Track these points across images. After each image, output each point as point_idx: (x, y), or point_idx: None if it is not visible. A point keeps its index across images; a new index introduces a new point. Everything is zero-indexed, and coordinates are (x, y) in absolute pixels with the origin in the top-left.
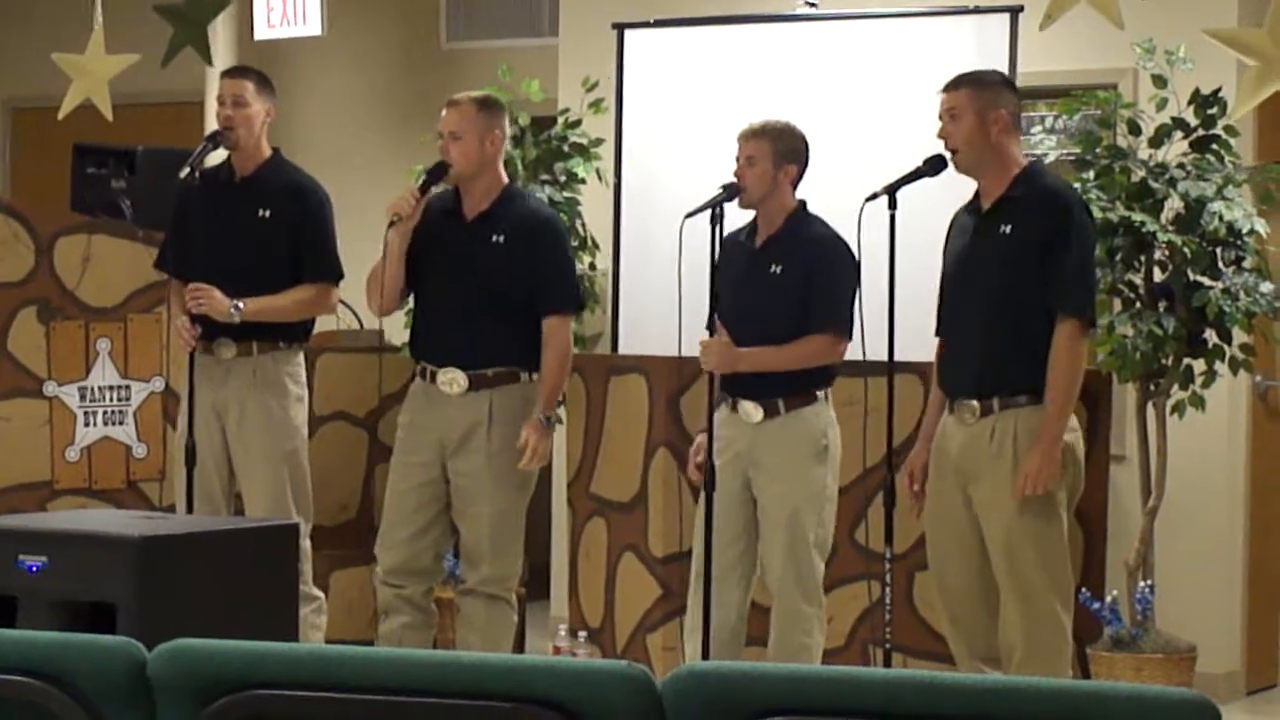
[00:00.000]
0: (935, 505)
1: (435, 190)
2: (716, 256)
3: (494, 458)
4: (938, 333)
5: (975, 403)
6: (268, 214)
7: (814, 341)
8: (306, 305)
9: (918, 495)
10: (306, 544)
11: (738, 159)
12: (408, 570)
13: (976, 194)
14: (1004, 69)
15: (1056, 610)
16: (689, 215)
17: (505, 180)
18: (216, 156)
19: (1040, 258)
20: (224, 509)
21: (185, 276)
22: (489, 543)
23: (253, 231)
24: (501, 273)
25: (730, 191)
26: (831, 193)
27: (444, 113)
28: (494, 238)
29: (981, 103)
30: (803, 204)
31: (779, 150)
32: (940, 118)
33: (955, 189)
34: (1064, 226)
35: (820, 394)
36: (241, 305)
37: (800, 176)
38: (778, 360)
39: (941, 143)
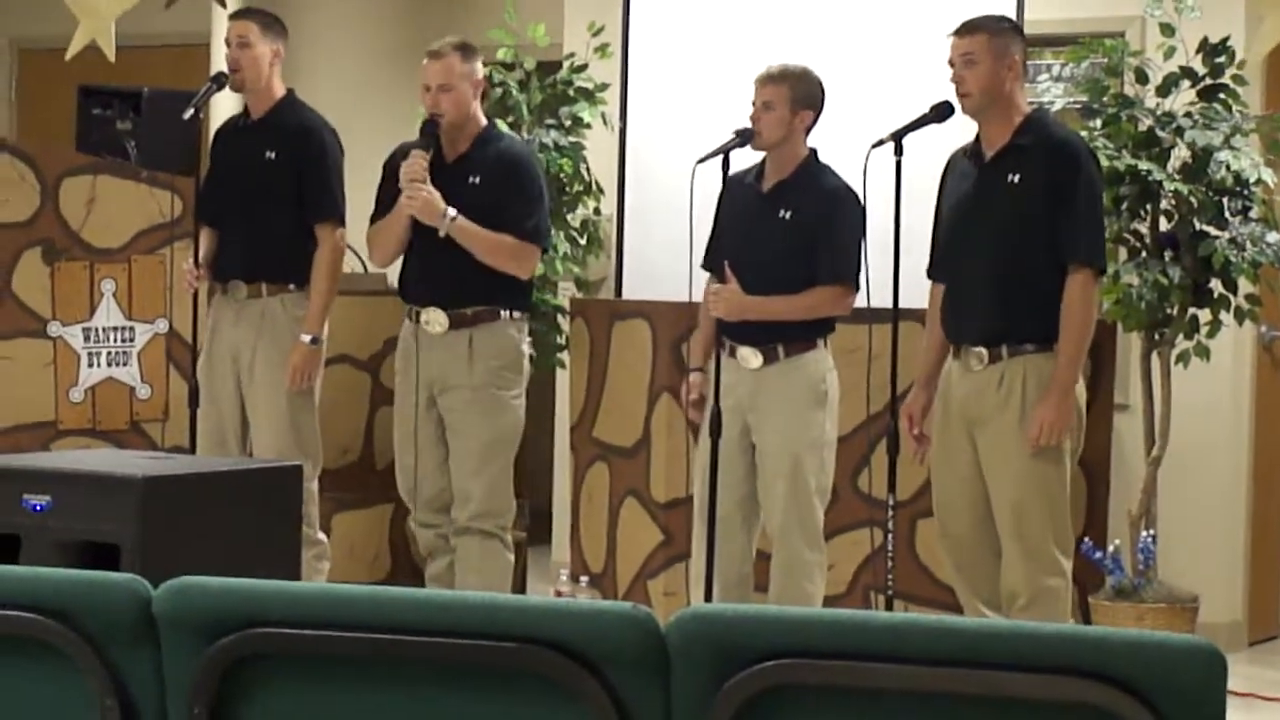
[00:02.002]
0: (941, 451)
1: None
2: (725, 196)
3: (477, 392)
4: (933, 277)
5: (983, 349)
6: (274, 155)
7: (822, 293)
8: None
9: (917, 438)
10: (314, 487)
11: (754, 103)
12: (437, 508)
13: (977, 139)
14: (1011, 16)
15: (1058, 557)
16: (700, 160)
17: (483, 122)
18: (239, 100)
19: (1050, 206)
20: (237, 450)
21: (214, 224)
22: (476, 478)
23: (259, 173)
24: (479, 212)
25: (743, 137)
26: (837, 139)
27: (426, 63)
28: (470, 179)
29: (998, 48)
30: (814, 152)
31: (797, 96)
32: (952, 63)
33: (961, 135)
34: (1074, 175)
35: (820, 340)
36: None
37: (814, 123)
38: (786, 309)
39: (950, 88)
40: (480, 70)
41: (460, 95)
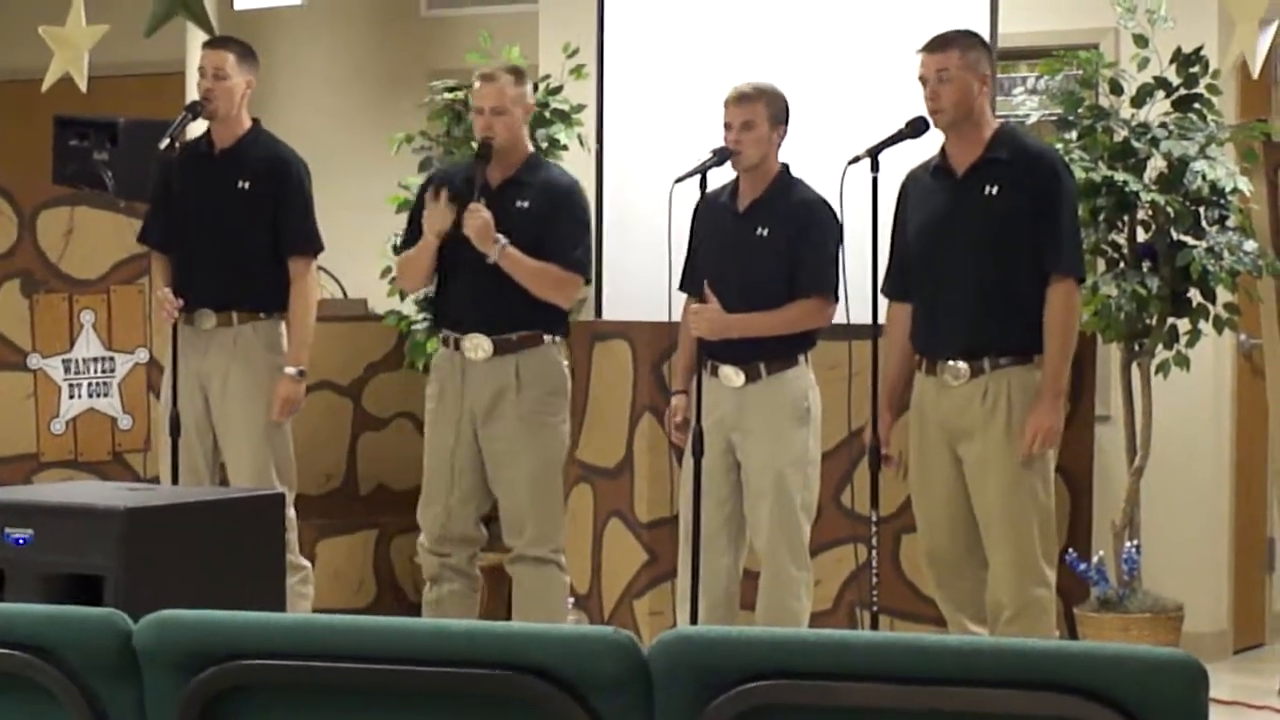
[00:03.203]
0: (920, 469)
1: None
2: (699, 217)
3: (524, 420)
4: (893, 295)
5: (963, 364)
6: (247, 185)
7: (804, 305)
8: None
9: (886, 460)
10: (291, 513)
11: (729, 124)
12: (452, 538)
13: (942, 155)
14: (985, 30)
15: (1044, 569)
16: (678, 180)
17: (531, 148)
18: (197, 128)
19: (1032, 218)
20: (208, 479)
21: (168, 250)
22: (529, 506)
23: (232, 203)
24: (524, 237)
25: (721, 156)
26: (813, 155)
27: (479, 86)
28: (519, 203)
29: (970, 63)
30: (785, 167)
31: (773, 112)
32: (923, 79)
33: (933, 150)
34: (1056, 187)
35: (801, 357)
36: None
37: (784, 138)
38: (768, 325)
39: (918, 102)
40: (531, 95)
41: (512, 119)
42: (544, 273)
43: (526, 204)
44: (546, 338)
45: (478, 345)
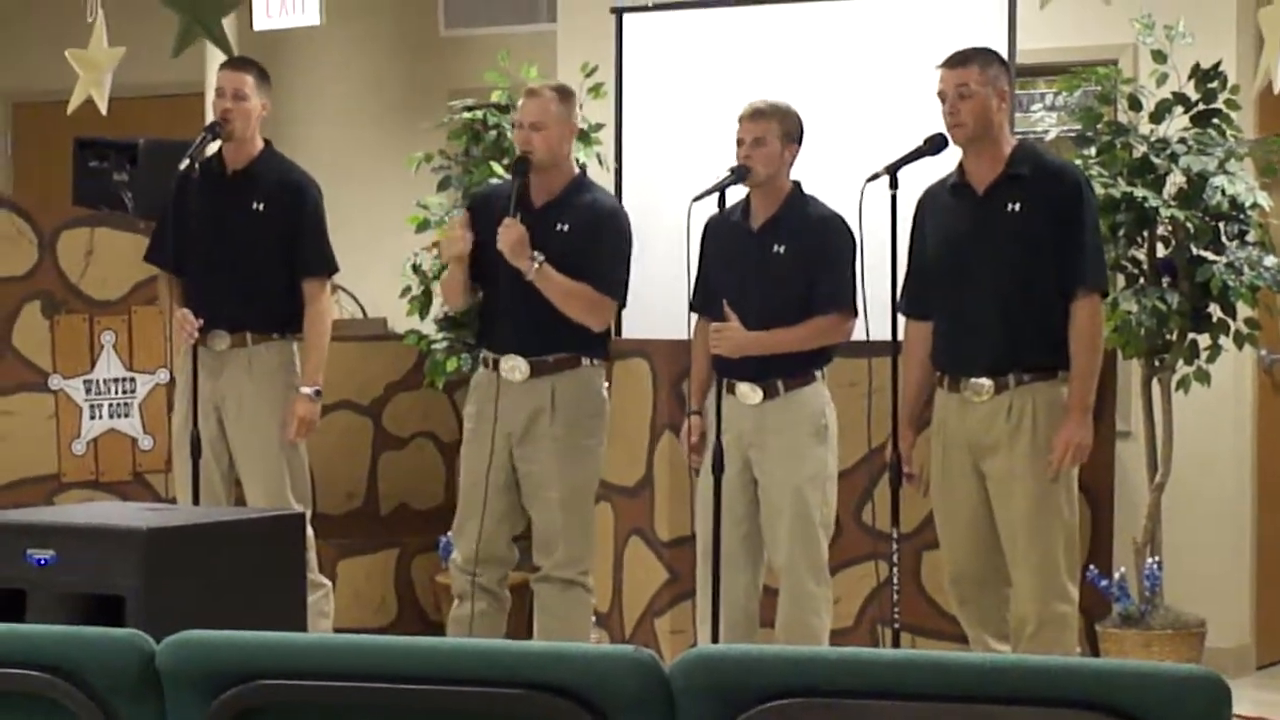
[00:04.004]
0: (943, 484)
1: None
2: (710, 238)
3: (559, 442)
4: (912, 313)
5: (987, 380)
6: (261, 207)
7: (823, 321)
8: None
9: (909, 478)
10: (310, 532)
11: (741, 140)
12: (484, 558)
13: (960, 172)
14: (1003, 47)
15: (1067, 584)
16: (696, 198)
17: (576, 170)
18: (209, 149)
19: (1053, 234)
20: (224, 498)
21: (179, 270)
22: (561, 527)
23: (246, 225)
24: (564, 260)
25: (738, 174)
26: (832, 173)
27: (522, 101)
28: (559, 226)
29: (989, 79)
30: (798, 184)
31: (785, 130)
32: (942, 95)
33: (951, 166)
34: (1079, 201)
35: (818, 374)
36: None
37: (796, 157)
38: (788, 341)
39: (936, 119)
40: (577, 117)
41: (552, 135)
42: (578, 293)
43: (567, 227)
44: (585, 360)
45: (515, 366)
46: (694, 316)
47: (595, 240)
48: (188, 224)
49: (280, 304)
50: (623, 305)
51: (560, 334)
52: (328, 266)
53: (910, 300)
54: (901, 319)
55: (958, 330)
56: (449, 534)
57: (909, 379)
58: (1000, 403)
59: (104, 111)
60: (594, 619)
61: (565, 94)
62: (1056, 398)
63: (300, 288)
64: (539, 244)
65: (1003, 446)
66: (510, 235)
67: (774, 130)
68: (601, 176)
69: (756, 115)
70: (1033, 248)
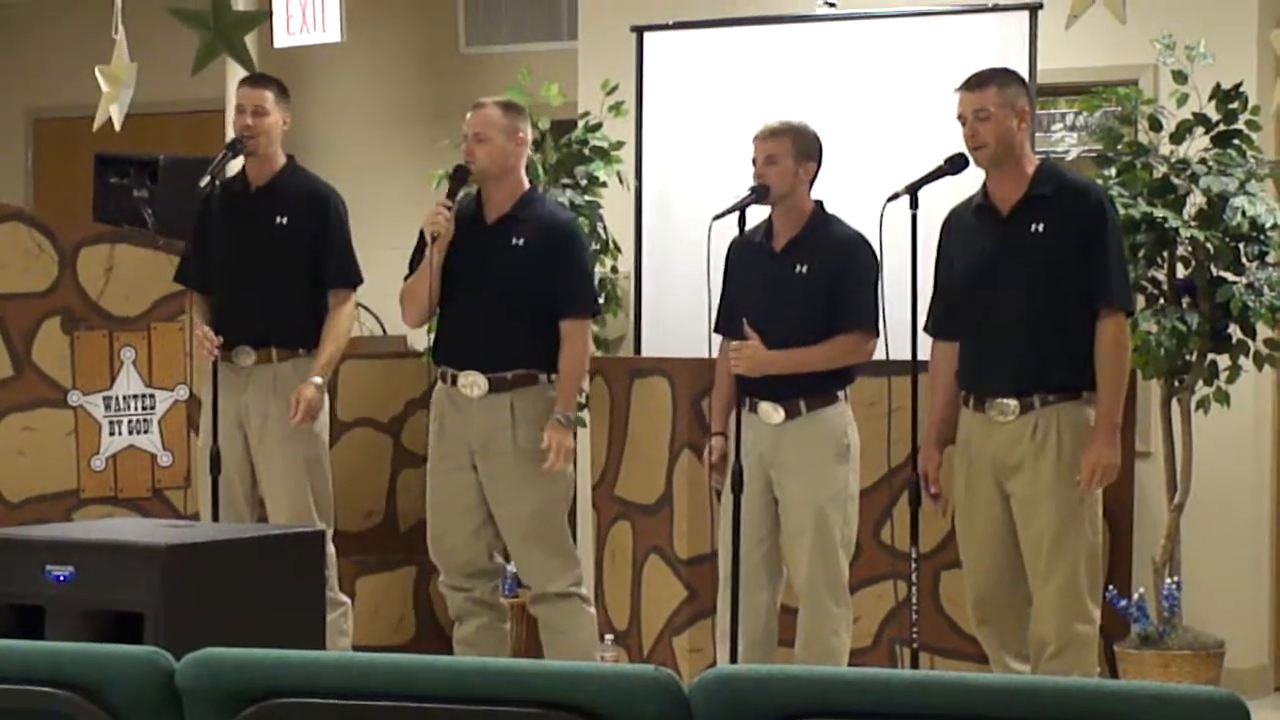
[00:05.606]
0: (966, 504)
1: (460, 195)
2: (734, 259)
3: (520, 457)
4: (938, 334)
5: (1012, 401)
6: (285, 221)
7: (844, 340)
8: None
9: (934, 498)
10: (331, 549)
11: (755, 159)
12: (470, 574)
13: (984, 193)
14: (1024, 67)
15: (1089, 605)
16: (717, 217)
17: (526, 184)
18: (231, 166)
19: (1078, 253)
20: (247, 515)
21: (206, 288)
22: (535, 541)
23: (271, 240)
24: (521, 275)
25: (759, 193)
26: (852, 192)
27: (469, 115)
28: (514, 240)
29: (1009, 100)
30: (820, 204)
31: (799, 148)
32: (962, 117)
33: (974, 187)
34: (1100, 221)
35: (840, 394)
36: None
37: (815, 176)
38: (810, 360)
39: (956, 140)
40: (526, 130)
41: (495, 148)
42: (578, 361)
43: (522, 241)
44: (541, 377)
45: (473, 382)
46: (717, 337)
47: (559, 262)
48: (212, 242)
49: (305, 319)
50: (597, 314)
51: (518, 350)
52: (353, 279)
53: (936, 321)
54: (927, 340)
55: (983, 350)
56: None
57: (936, 400)
58: (1025, 423)
59: (118, 127)
60: (611, 637)
61: (511, 107)
62: (1081, 418)
63: (324, 303)
64: (495, 259)
65: (1027, 466)
66: (438, 218)
67: (787, 148)
68: (622, 195)
69: (770, 134)
70: (1057, 268)
